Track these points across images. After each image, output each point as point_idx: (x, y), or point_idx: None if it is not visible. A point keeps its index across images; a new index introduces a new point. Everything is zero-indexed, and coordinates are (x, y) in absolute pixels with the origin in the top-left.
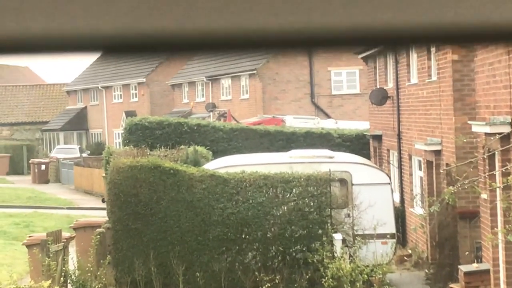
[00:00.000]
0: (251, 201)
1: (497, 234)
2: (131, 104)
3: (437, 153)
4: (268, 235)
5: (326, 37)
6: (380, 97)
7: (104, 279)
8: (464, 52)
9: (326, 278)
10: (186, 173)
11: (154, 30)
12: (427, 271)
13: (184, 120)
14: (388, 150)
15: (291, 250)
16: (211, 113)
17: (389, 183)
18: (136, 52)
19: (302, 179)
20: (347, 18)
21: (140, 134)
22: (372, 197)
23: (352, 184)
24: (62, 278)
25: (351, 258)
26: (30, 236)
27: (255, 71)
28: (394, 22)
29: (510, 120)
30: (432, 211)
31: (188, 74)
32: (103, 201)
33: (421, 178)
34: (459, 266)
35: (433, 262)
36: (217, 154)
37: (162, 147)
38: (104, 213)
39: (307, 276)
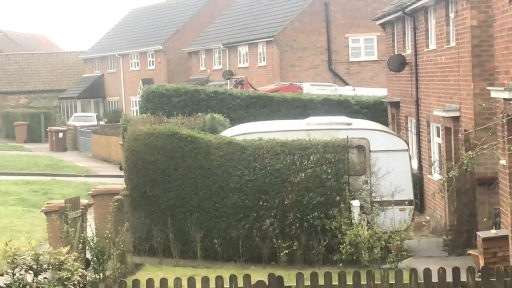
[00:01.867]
0: (268, 168)
1: None
2: (148, 72)
3: (456, 119)
4: (285, 202)
5: None
6: (398, 64)
7: (122, 246)
8: (482, 17)
9: (344, 244)
10: (203, 140)
11: None
12: (445, 237)
13: (201, 88)
14: (406, 117)
15: (308, 217)
16: (228, 81)
17: (407, 150)
18: None
19: (319, 146)
20: None
21: (157, 102)
22: (390, 163)
23: (370, 151)
24: (80, 245)
25: (369, 224)
26: (48, 203)
27: (272, 38)
28: None
29: None
30: (450, 176)
31: (205, 41)
32: (120, 168)
33: (439, 144)
34: (477, 232)
35: (451, 228)
36: (234, 121)
37: (179, 115)
38: (121, 180)
39: (325, 243)
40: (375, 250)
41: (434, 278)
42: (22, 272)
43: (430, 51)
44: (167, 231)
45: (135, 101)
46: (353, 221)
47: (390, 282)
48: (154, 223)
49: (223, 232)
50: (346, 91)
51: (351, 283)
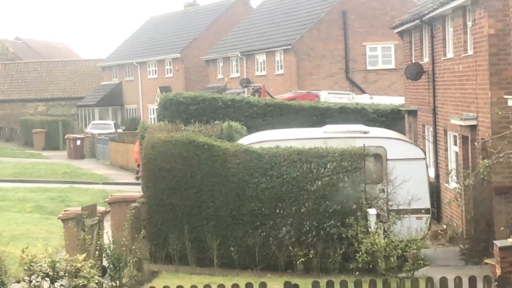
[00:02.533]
0: (285, 176)
1: None
2: (165, 80)
3: (473, 128)
4: (302, 210)
5: None
6: (415, 72)
7: (138, 253)
8: (500, 26)
9: (360, 253)
10: (220, 148)
11: None
12: (462, 246)
13: (218, 96)
14: (423, 125)
15: (325, 225)
16: (245, 89)
17: (424, 158)
18: None
19: (336, 154)
20: None
21: (175, 110)
22: (407, 172)
23: (387, 159)
24: (97, 252)
25: (385, 233)
26: (65, 210)
27: (290, 46)
28: None
29: None
30: (467, 184)
31: (223, 49)
32: (137, 178)
33: (456, 153)
34: (494, 241)
35: (468, 237)
36: (251, 129)
37: (197, 123)
38: (139, 188)
39: (341, 251)
40: (392, 259)
41: (451, 287)
42: (39, 279)
43: (447, 59)
44: (184, 238)
45: (153, 109)
46: (369, 229)
47: None
48: (170, 230)
49: (239, 240)
50: (363, 100)
51: None
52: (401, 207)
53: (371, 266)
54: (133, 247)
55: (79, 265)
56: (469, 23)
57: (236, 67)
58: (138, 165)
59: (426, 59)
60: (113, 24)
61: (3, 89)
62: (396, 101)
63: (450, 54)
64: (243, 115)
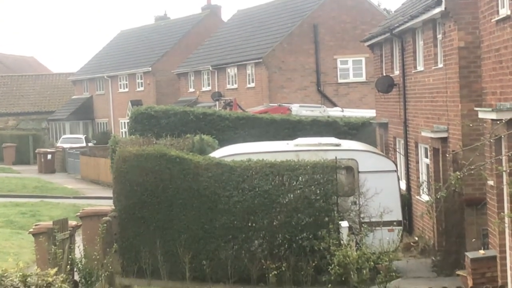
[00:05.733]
0: (257, 189)
1: (503, 218)
2: (137, 93)
3: (444, 140)
4: (274, 223)
5: None
6: (386, 85)
7: (110, 267)
8: (470, 38)
9: (333, 265)
10: (192, 161)
11: None
12: (433, 258)
13: (190, 109)
14: (395, 138)
15: (297, 238)
16: (217, 102)
17: (395, 171)
18: None
19: (308, 167)
20: None
21: (146, 123)
22: (379, 184)
23: (359, 172)
24: (68, 266)
25: (357, 245)
26: (36, 225)
27: (261, 60)
28: None
29: None
30: (438, 197)
31: (194, 62)
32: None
33: (427, 165)
34: (466, 253)
35: (440, 249)
36: (223, 142)
37: (168, 136)
38: (110, 202)
39: (314, 264)
40: (364, 271)
41: None
42: None
43: (418, 72)
44: (156, 252)
45: (124, 123)
46: (342, 242)
47: None
48: (142, 244)
49: (211, 253)
50: (334, 112)
51: None
52: (373, 219)
53: (343, 279)
54: (105, 261)
55: (50, 279)
56: (439, 36)
57: (207, 81)
58: None
59: (396, 72)
60: (85, 38)
61: None
62: (367, 113)
63: (420, 67)
64: (215, 128)
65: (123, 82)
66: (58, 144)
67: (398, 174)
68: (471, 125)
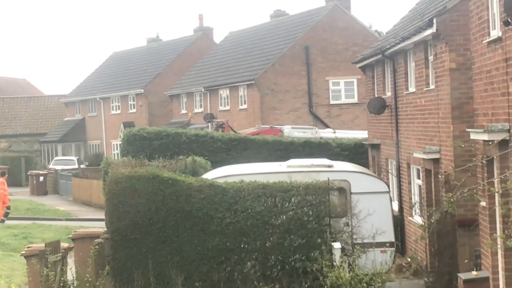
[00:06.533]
0: (250, 211)
1: (496, 240)
2: (129, 115)
3: (436, 161)
4: (267, 245)
5: None
6: (378, 106)
7: None
8: (461, 60)
9: (326, 287)
10: (184, 183)
11: None
12: (426, 279)
13: (182, 131)
14: (387, 159)
15: (290, 259)
16: (209, 124)
17: (387, 192)
18: None
19: (301, 188)
20: None
21: (138, 145)
22: (371, 205)
23: (351, 193)
24: None
25: (350, 266)
26: (28, 247)
27: (253, 81)
28: None
29: (508, 127)
30: (433, 221)
31: (186, 84)
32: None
33: (419, 186)
34: (458, 274)
35: (432, 270)
36: (215, 164)
37: (161, 158)
38: (102, 224)
39: (306, 285)
40: None
41: None
42: None
43: (409, 93)
44: (148, 274)
45: (116, 145)
46: (334, 263)
47: None
48: (135, 266)
49: (204, 275)
50: (326, 134)
51: None
52: (365, 241)
53: None
54: (97, 283)
55: None
56: (431, 58)
57: (199, 102)
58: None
59: (388, 93)
60: (77, 60)
61: None
62: (359, 135)
63: (412, 88)
64: (207, 149)
65: (115, 104)
66: (50, 166)
67: (391, 195)
68: (463, 146)
